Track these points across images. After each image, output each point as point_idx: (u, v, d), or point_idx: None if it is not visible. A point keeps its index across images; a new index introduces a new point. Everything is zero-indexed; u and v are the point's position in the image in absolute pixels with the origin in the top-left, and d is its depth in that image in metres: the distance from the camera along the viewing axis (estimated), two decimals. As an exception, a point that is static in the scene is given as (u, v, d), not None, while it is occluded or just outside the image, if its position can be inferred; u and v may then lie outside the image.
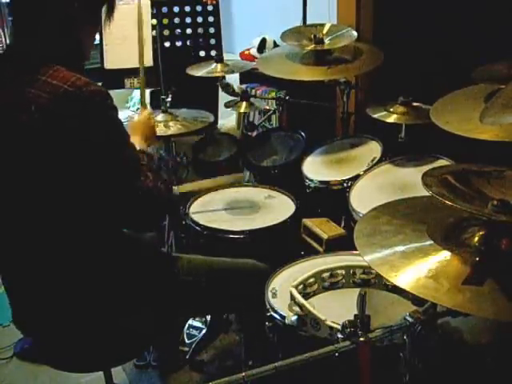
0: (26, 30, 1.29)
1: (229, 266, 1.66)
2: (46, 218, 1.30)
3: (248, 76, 2.97)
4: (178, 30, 2.83)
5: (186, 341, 2.20)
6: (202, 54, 2.87)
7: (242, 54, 3.32)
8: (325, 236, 1.82)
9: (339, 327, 1.08)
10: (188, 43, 2.85)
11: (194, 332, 2.23)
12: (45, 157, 1.24)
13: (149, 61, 2.23)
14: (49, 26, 1.28)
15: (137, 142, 1.54)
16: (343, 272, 1.48)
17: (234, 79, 2.92)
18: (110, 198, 1.31)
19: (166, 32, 2.80)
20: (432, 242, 1.06)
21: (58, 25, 1.28)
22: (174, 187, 1.76)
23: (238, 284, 1.61)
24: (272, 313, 1.38)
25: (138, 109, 4.00)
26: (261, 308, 1.42)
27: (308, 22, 2.68)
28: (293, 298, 1.32)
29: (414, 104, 2.05)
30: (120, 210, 1.33)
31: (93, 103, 1.23)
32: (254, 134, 2.72)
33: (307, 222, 1.93)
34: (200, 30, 2.86)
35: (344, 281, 1.48)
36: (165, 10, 2.79)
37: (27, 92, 1.22)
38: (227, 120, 3.14)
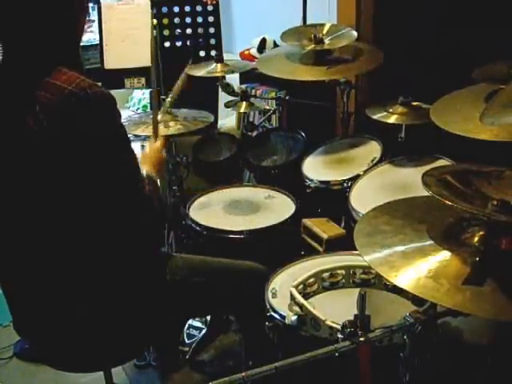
0: (18, 32, 1.26)
1: (228, 267, 1.66)
2: (48, 220, 1.31)
3: (248, 76, 2.97)
4: (178, 30, 2.83)
5: (186, 341, 2.20)
6: (202, 54, 2.87)
7: (242, 54, 3.32)
8: (325, 236, 1.82)
9: (339, 327, 1.08)
10: (188, 43, 2.85)
11: (194, 332, 2.22)
12: (49, 158, 1.24)
13: (148, 61, 2.23)
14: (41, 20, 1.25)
15: (146, 169, 1.55)
16: (343, 272, 1.48)
17: (234, 79, 2.92)
18: (110, 200, 1.31)
19: (166, 32, 2.80)
20: (432, 241, 1.06)
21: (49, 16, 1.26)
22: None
23: (236, 285, 1.60)
24: (272, 313, 1.38)
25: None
26: (260, 310, 1.42)
27: (308, 22, 2.68)
28: (293, 297, 1.32)
29: (414, 104, 2.05)
30: (121, 210, 1.34)
31: (97, 105, 1.24)
32: (254, 134, 2.72)
33: (307, 221, 1.92)
34: (200, 30, 2.86)
35: (344, 281, 1.48)
36: (165, 10, 2.79)
37: (31, 93, 1.22)
38: (227, 120, 3.13)
